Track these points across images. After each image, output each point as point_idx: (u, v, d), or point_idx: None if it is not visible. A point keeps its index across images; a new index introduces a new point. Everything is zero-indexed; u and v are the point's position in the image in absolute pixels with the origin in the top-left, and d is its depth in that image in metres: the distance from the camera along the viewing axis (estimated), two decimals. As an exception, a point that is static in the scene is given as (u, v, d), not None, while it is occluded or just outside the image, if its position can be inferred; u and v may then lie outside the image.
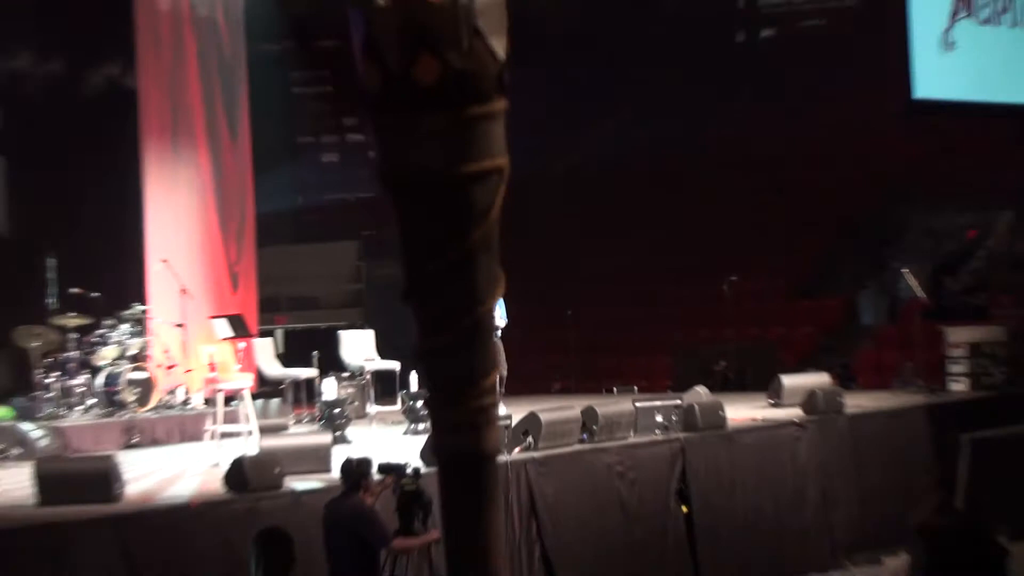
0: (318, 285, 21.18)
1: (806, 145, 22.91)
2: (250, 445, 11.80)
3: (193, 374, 14.65)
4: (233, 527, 8.84)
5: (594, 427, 12.01)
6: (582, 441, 11.94)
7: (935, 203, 20.97)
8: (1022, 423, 15.26)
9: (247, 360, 15.36)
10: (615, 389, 16.98)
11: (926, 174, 21.64)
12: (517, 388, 15.25)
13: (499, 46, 3.22)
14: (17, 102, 15.75)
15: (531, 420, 11.54)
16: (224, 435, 12.60)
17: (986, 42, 20.83)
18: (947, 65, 20.53)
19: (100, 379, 13.96)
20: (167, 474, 11.30)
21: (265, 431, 12.69)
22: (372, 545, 8.63)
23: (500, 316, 12.85)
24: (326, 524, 8.72)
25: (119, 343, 14.16)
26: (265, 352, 15.68)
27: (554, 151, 21.95)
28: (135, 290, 14.97)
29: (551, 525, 11.20)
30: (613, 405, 12.78)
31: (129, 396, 13.87)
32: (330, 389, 14.54)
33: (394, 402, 15.19)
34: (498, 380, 5.17)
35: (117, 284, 14.81)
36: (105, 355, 14.08)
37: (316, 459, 10.58)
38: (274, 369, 15.48)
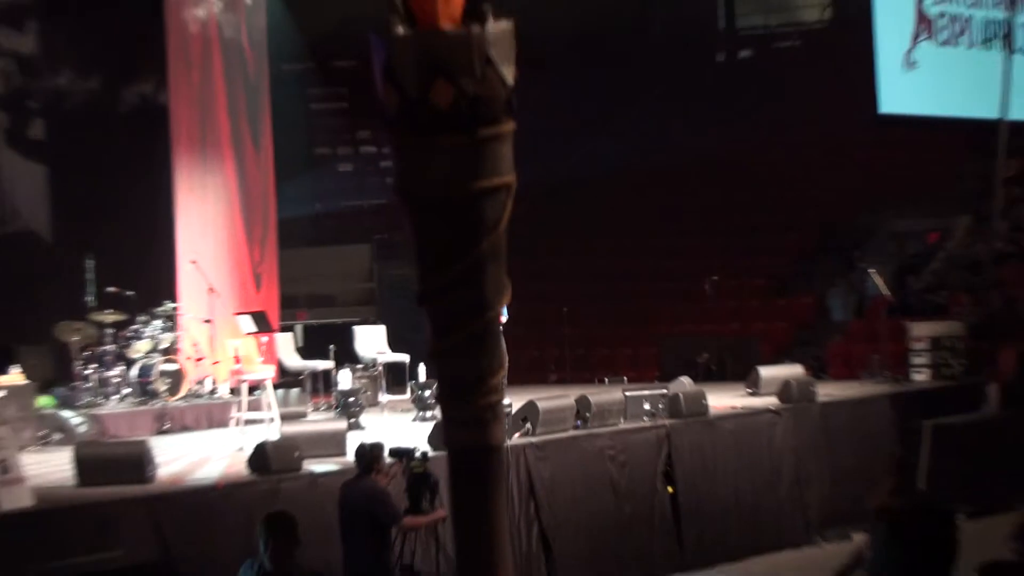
0: (334, 284, 21.11)
1: (781, 156, 22.93)
2: (272, 431, 11.79)
3: (220, 366, 14.61)
4: (256, 506, 8.81)
5: (587, 414, 12.00)
6: (576, 427, 11.93)
7: (899, 209, 20.98)
8: (978, 410, 15.30)
9: (269, 353, 15.33)
10: (606, 379, 16.92)
11: (891, 182, 21.66)
12: (516, 378, 15.21)
13: (508, 73, 3.23)
14: (59, 116, 15.78)
15: (530, 408, 11.52)
16: (248, 422, 12.61)
17: (945, 62, 20.82)
18: (909, 83, 20.52)
19: (134, 370, 13.93)
20: (196, 458, 11.28)
21: (286, 418, 12.70)
22: (384, 523, 8.63)
23: (503, 314, 12.82)
24: (341, 503, 8.73)
25: (152, 337, 14.14)
26: (286, 346, 15.65)
27: (550, 160, 21.92)
28: (167, 289, 14.93)
29: (548, 504, 11.19)
30: (605, 394, 12.77)
31: (161, 386, 13.84)
32: (345, 379, 14.56)
33: (404, 391, 15.17)
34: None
35: (150, 283, 14.77)
36: (139, 348, 14.06)
37: (332, 444, 10.56)
38: (294, 361, 15.45)
